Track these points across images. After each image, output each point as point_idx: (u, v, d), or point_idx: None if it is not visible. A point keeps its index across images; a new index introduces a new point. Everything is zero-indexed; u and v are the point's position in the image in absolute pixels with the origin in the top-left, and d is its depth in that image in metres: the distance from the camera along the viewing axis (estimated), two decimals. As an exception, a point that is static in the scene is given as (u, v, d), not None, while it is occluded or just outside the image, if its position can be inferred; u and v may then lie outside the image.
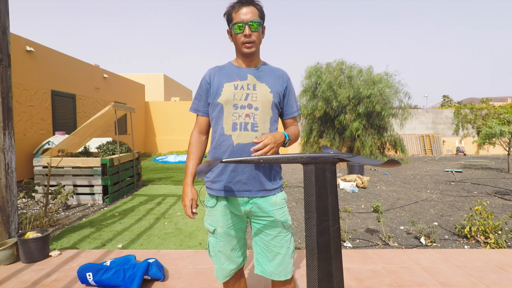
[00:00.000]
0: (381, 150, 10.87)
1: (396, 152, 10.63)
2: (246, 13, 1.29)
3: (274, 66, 1.48)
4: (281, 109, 1.44)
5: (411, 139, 13.42)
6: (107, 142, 5.58)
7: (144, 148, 13.12)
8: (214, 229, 1.39)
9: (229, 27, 1.36)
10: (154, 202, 4.73)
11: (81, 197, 4.64)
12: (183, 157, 10.55)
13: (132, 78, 15.07)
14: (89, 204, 4.59)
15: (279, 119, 1.46)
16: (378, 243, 3.04)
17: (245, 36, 1.30)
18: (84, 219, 3.84)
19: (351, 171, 7.35)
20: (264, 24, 1.38)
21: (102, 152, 5.32)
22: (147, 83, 16.32)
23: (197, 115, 1.45)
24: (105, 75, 9.79)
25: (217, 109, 1.35)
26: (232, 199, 1.36)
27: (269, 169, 1.36)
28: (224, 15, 1.38)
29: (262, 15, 1.35)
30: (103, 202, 4.66)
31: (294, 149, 11.65)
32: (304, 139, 11.15)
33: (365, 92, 9.32)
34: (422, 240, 3.07)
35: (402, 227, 3.55)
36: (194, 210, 1.34)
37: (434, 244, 3.02)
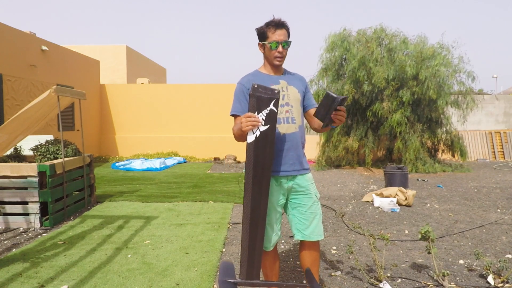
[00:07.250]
0: (432, 153, 10.88)
1: (453, 155, 10.65)
2: (280, 35, 2.29)
3: (292, 71, 2.54)
4: (304, 105, 2.52)
5: (475, 137, 13.44)
6: (47, 142, 5.59)
7: (99, 150, 13.17)
8: None
9: (260, 41, 2.37)
10: (112, 226, 4.75)
11: (10, 218, 4.65)
12: (153, 163, 10.56)
13: (83, 51, 15.11)
14: (21, 229, 4.61)
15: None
16: (429, 283, 3.06)
17: (278, 52, 2.32)
18: (14, 250, 3.85)
19: (389, 182, 7.32)
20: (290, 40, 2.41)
21: (40, 155, 5.33)
22: (103, 59, 16.36)
23: (238, 116, 2.33)
24: (44, 47, 9.82)
25: None
26: (279, 178, 2.31)
27: (304, 154, 2.40)
28: (256, 30, 2.37)
29: (289, 35, 2.37)
30: (42, 225, 4.68)
31: (312, 150, 11.67)
32: (324, 138, 11.17)
33: (411, 71, 9.32)
34: (490, 279, 3.08)
35: (461, 261, 3.57)
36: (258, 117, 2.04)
37: (507, 285, 3.03)
